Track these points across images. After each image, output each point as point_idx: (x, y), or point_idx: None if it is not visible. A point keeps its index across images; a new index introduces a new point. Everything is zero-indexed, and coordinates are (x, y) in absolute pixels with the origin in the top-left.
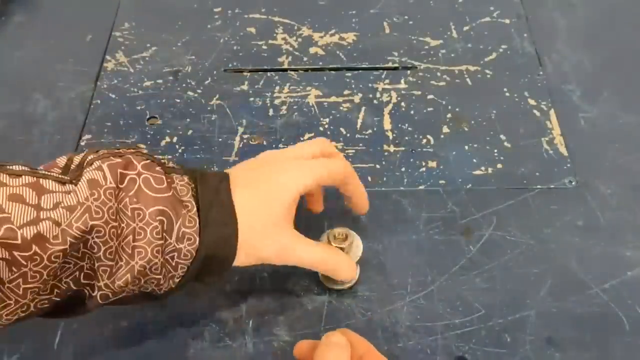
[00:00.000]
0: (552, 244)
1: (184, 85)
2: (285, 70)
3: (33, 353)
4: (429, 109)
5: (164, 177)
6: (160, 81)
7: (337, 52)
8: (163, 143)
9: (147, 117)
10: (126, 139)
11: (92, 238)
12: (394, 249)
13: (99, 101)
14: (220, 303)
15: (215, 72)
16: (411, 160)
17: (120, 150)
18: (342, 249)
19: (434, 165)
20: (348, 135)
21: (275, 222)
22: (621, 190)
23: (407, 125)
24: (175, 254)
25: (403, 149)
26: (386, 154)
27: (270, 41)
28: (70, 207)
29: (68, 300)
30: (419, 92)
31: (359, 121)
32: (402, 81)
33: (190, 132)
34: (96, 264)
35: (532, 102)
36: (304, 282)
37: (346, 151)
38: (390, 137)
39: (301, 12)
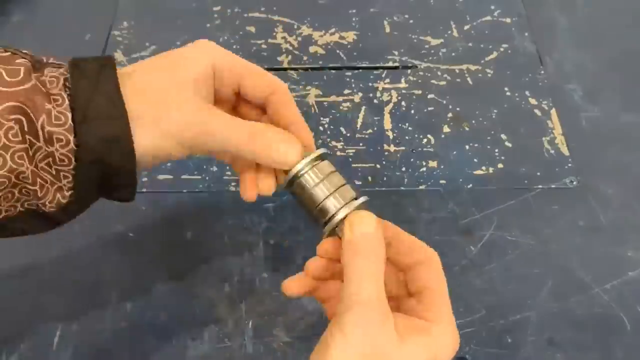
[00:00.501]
0: (553, 244)
1: None
2: (284, 69)
3: (32, 353)
4: (429, 109)
5: (22, 69)
6: None
7: (337, 51)
8: None
9: None
10: None
11: None
12: None
13: None
14: (220, 303)
15: None
16: (411, 160)
17: None
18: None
19: (434, 165)
20: (348, 135)
21: (180, 89)
22: (622, 190)
23: (407, 124)
24: (50, 159)
25: (403, 148)
26: (386, 153)
27: (269, 40)
28: None
29: None
30: (420, 92)
31: (359, 121)
32: (403, 80)
33: None
34: None
35: (533, 101)
36: None
37: (346, 151)
38: (391, 137)
39: (301, 11)
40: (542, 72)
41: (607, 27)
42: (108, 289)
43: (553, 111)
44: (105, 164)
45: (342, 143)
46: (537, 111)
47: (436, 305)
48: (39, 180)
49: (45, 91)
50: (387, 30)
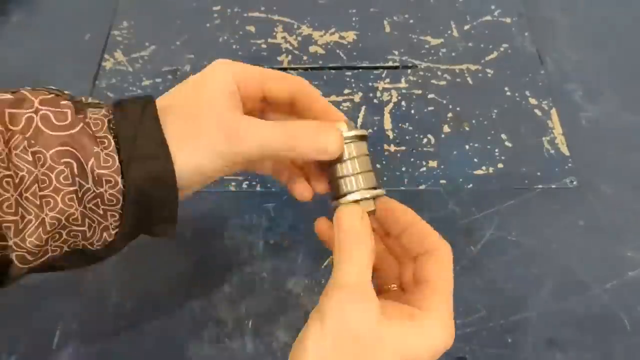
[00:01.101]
0: (553, 244)
1: None
2: (284, 69)
3: (32, 353)
4: (429, 109)
5: (68, 112)
6: (159, 80)
7: (337, 51)
8: None
9: None
10: None
11: None
12: None
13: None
14: (220, 303)
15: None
16: (412, 159)
17: (17, 89)
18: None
19: (434, 164)
20: None
21: (211, 106)
22: (623, 190)
23: (407, 124)
24: (99, 200)
25: (403, 148)
26: (386, 153)
27: (269, 40)
28: None
29: None
30: (420, 92)
31: (360, 120)
32: (403, 80)
33: None
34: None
35: (533, 101)
36: (304, 282)
37: None
38: (391, 137)
39: (301, 10)
40: (542, 72)
41: (608, 27)
42: (108, 289)
43: (553, 111)
44: (150, 199)
45: None
46: (537, 111)
47: (433, 295)
48: (87, 221)
49: (92, 134)
50: (387, 30)
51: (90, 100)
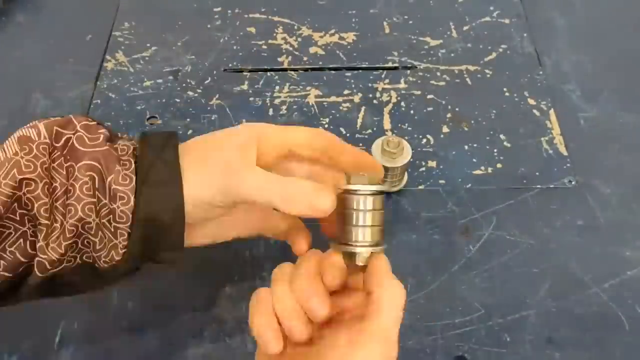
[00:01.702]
0: (551, 244)
1: (183, 85)
2: (285, 70)
3: (33, 353)
4: (428, 109)
5: (101, 136)
6: (160, 81)
7: (337, 51)
8: None
9: (147, 116)
10: None
11: (24, 194)
12: (394, 249)
13: (98, 101)
14: (220, 303)
15: (215, 72)
16: (411, 159)
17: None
18: (393, 153)
19: (433, 165)
20: (348, 135)
21: (224, 150)
22: (621, 190)
23: (407, 125)
24: (111, 216)
25: None
26: None
27: (270, 41)
28: None
29: (10, 282)
30: (419, 92)
31: (359, 121)
32: (402, 81)
33: (190, 132)
34: (35, 224)
35: (531, 101)
36: None
37: None
38: None
39: (301, 11)
40: (541, 72)
41: (606, 28)
42: (109, 289)
43: (552, 111)
44: (158, 222)
45: None
46: (535, 111)
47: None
48: (100, 233)
49: (117, 156)
50: (387, 30)
51: (126, 135)
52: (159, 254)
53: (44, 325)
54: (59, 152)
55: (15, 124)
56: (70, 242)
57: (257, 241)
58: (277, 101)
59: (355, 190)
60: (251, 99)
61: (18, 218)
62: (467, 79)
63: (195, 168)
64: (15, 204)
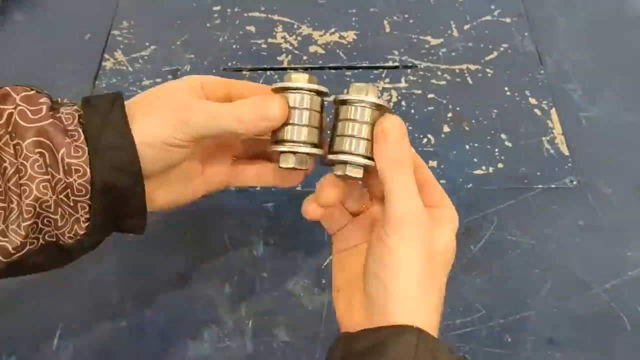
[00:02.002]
0: (553, 244)
1: None
2: (284, 69)
3: (32, 353)
4: (429, 108)
5: (43, 107)
6: (159, 80)
7: (337, 50)
8: None
9: None
10: None
11: None
12: None
13: None
14: (220, 303)
15: (214, 71)
16: None
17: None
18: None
19: (434, 164)
20: None
21: (173, 93)
22: (622, 190)
23: (407, 124)
24: (69, 190)
25: None
26: None
27: (269, 40)
28: None
29: None
30: (420, 91)
31: None
32: (403, 80)
33: None
34: None
35: (533, 101)
36: (303, 282)
37: None
38: None
39: (301, 10)
40: (542, 71)
41: (607, 27)
42: (108, 289)
43: (553, 111)
44: (117, 189)
45: None
46: (537, 111)
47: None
48: (59, 210)
49: (63, 127)
50: (387, 29)
51: (66, 100)
52: (122, 222)
53: (44, 325)
54: (3, 130)
55: None
56: (30, 222)
57: (257, 242)
58: None
59: (353, 100)
60: None
61: None
62: (468, 78)
63: (146, 112)
64: None
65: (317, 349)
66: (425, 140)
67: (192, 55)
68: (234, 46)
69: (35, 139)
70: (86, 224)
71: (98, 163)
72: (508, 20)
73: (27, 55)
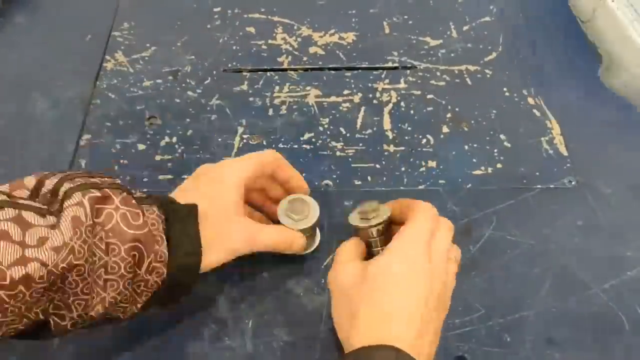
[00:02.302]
0: (552, 244)
1: (183, 85)
2: (284, 70)
3: (32, 353)
4: (428, 109)
5: (140, 212)
6: (159, 81)
7: (337, 51)
8: (163, 143)
9: (147, 117)
10: (126, 139)
11: (72, 275)
12: None
13: (98, 101)
14: (220, 303)
15: (214, 72)
16: (411, 160)
17: (97, 180)
18: (295, 217)
19: (433, 165)
20: (348, 135)
21: (227, 214)
22: (621, 190)
23: (406, 125)
24: (142, 283)
25: (403, 148)
26: (386, 153)
27: (269, 41)
28: (57, 248)
29: (33, 328)
30: (419, 92)
31: (359, 121)
32: (402, 81)
33: (190, 132)
34: (71, 298)
35: (531, 101)
36: (303, 282)
37: (346, 151)
38: (390, 137)
39: (301, 12)
40: (541, 72)
41: None
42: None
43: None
44: (179, 284)
45: (341, 143)
46: (535, 111)
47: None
48: (130, 299)
49: (154, 235)
50: (387, 30)
51: (138, 193)
52: (167, 304)
53: None
54: (99, 227)
55: (14, 124)
56: (107, 310)
57: None
58: (276, 101)
59: (369, 228)
60: (251, 99)
61: (55, 288)
62: (467, 79)
63: (217, 238)
64: (59, 280)
65: (317, 348)
66: (424, 140)
67: (193, 56)
68: (234, 47)
69: (133, 244)
70: (140, 305)
71: (172, 266)
72: (507, 21)
73: (28, 56)
